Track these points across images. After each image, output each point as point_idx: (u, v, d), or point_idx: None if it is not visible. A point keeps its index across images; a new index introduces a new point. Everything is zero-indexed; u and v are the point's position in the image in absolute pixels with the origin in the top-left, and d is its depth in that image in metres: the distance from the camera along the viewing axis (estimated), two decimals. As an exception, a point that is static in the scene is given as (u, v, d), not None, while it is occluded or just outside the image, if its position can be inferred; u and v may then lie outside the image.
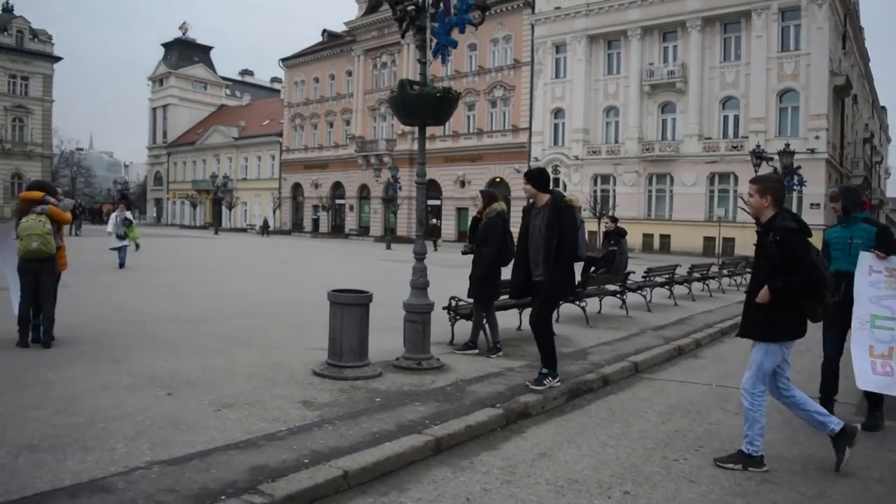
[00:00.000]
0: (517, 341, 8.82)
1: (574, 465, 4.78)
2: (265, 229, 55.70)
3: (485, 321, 8.12)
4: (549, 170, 43.01)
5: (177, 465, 4.14)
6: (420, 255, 7.19)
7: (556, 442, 5.28)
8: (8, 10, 70.72)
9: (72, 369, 6.50)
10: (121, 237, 17.77)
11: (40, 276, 7.43)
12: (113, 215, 18.57)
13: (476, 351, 7.98)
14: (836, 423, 4.75)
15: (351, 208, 57.19)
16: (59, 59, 73.08)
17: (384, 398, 5.85)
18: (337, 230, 57.64)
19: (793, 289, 4.65)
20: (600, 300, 12.13)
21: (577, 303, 10.65)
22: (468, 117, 48.45)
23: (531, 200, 6.64)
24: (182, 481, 3.91)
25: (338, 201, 58.77)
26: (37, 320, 7.53)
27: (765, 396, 4.79)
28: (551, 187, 6.66)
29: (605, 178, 42.08)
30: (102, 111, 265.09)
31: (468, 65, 48.27)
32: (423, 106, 6.85)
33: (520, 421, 5.77)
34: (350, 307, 6.50)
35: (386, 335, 8.05)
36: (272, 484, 3.88)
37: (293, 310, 11.19)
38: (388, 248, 35.68)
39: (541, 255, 6.36)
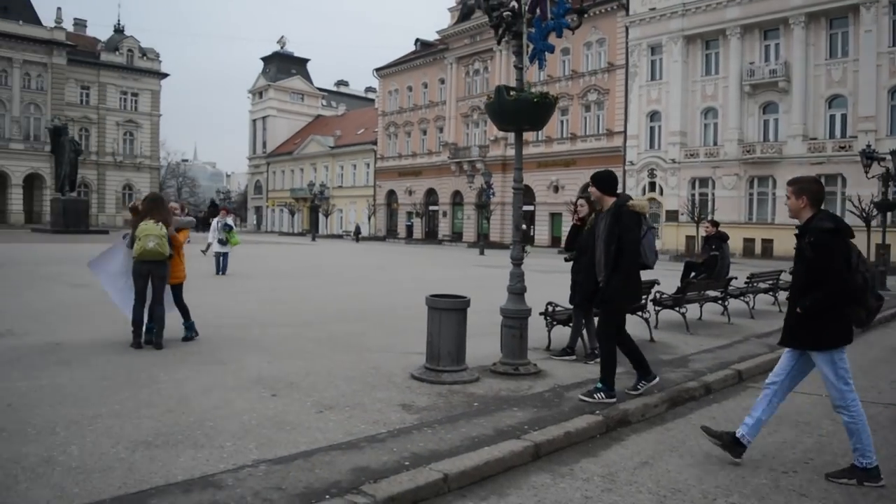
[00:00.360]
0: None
1: (677, 474, 4.67)
2: (357, 235, 56.97)
3: (583, 327, 8.05)
4: (645, 174, 42.58)
5: (282, 465, 4.27)
6: (517, 261, 7.19)
7: (658, 450, 5.17)
8: (119, 31, 75.01)
9: (181, 370, 6.80)
10: (222, 243, 18.00)
11: (152, 279, 7.81)
12: (214, 221, 18.83)
13: (573, 357, 7.91)
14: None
15: (444, 214, 57.66)
16: (165, 75, 76.95)
17: (482, 403, 5.87)
18: (430, 236, 58.23)
19: (819, 305, 4.53)
20: (701, 306, 11.80)
21: (678, 309, 10.41)
22: (561, 122, 48.06)
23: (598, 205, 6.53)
24: (288, 480, 4.03)
25: (431, 207, 59.38)
26: (150, 323, 7.93)
27: (858, 403, 4.60)
28: (619, 191, 6.41)
29: (704, 182, 40.88)
30: (206, 124, 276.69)
31: (561, 69, 47.89)
32: (520, 111, 6.85)
33: (619, 428, 5.68)
34: (448, 312, 6.56)
35: (482, 340, 8.08)
36: (374, 485, 3.96)
37: (390, 315, 11.36)
38: (482, 253, 35.78)
39: (601, 261, 6.17)
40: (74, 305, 11.10)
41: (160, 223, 7.78)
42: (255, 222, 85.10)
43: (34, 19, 65.70)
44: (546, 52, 6.94)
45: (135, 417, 5.19)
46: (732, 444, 4.87)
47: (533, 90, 7.04)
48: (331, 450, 4.57)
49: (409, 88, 61.93)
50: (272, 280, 17.78)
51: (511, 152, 49.36)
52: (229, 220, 18.87)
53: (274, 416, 5.31)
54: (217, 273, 17.60)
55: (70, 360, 7.08)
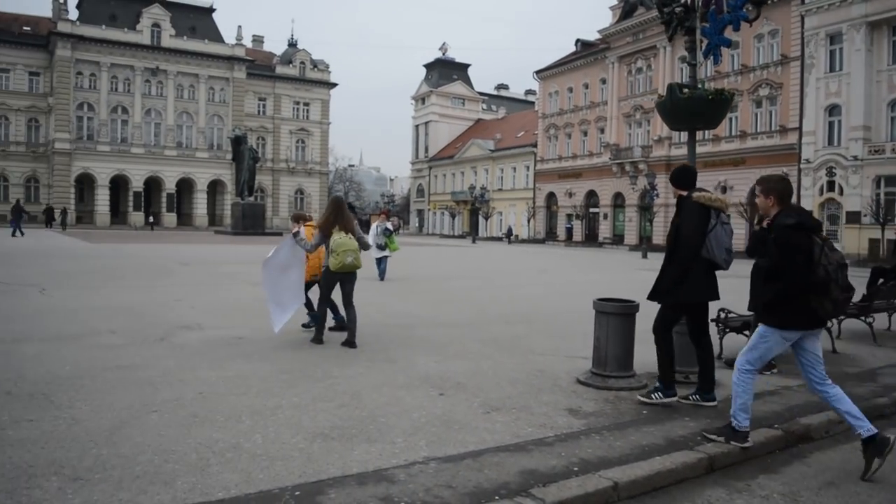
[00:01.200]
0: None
1: (867, 498, 4.31)
2: (509, 237, 57.41)
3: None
4: (823, 172, 39.67)
5: (451, 463, 4.33)
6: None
7: (846, 471, 4.79)
8: (293, 45, 79.67)
9: (353, 367, 7.07)
10: (381, 247, 17.10)
11: (345, 284, 8.26)
12: (374, 226, 17.77)
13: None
14: (866, 429, 4.69)
15: (605, 217, 56.63)
16: (335, 85, 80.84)
17: (651, 411, 5.70)
18: (590, 239, 57.37)
19: (781, 296, 4.77)
20: (889, 316, 10.85)
21: (863, 318, 9.63)
22: (730, 119, 45.75)
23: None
24: (457, 478, 4.08)
25: (591, 210, 58.49)
26: (338, 315, 8.55)
27: (751, 376, 4.97)
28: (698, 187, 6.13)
29: (891, 180, 37.51)
30: (372, 130, 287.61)
31: (730, 64, 45.63)
32: (693, 109, 6.61)
33: (800, 444, 5.32)
34: (616, 317, 6.42)
35: (650, 347, 7.83)
36: (543, 489, 3.93)
37: (553, 318, 11.28)
38: (644, 256, 34.80)
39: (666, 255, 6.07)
40: (253, 302, 11.82)
41: (349, 234, 8.11)
42: (417, 225, 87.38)
43: (218, 38, 71.20)
44: (721, 47, 6.63)
45: (312, 410, 5.45)
46: (734, 435, 4.94)
47: (709, 87, 6.75)
48: (499, 451, 4.59)
49: (570, 90, 61.34)
50: (434, 282, 18.15)
51: (676, 152, 47.36)
52: (389, 225, 17.94)
53: (442, 415, 5.41)
54: (379, 279, 16.69)
55: (252, 354, 7.57)
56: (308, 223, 9.37)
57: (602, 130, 57.08)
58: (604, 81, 56.93)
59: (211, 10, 73.14)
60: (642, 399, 5.95)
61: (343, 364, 7.19)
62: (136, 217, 65.07)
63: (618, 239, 54.20)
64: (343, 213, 8.34)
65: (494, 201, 69.45)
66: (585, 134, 59.42)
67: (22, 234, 37.69)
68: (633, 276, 21.73)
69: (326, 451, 4.52)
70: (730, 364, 7.54)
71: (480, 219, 67.35)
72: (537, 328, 10.19)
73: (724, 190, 45.00)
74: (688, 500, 4.18)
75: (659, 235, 47.27)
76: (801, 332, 4.86)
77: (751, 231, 7.43)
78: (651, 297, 6.12)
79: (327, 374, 6.74)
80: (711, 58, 6.71)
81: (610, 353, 6.41)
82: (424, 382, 6.48)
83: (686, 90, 6.64)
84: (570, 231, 59.97)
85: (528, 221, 65.26)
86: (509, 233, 59.77)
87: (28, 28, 67.28)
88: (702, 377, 6.04)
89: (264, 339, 8.47)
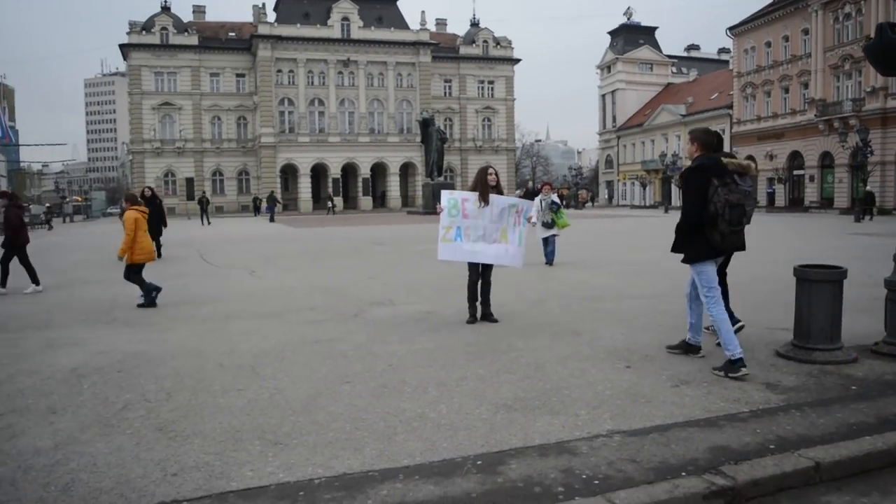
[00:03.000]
0: None
1: None
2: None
3: None
4: None
5: (636, 437, 4.20)
6: (904, 225, 6.22)
7: None
8: (475, 24, 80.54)
9: (538, 339, 7.05)
10: (548, 225, 14.27)
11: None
12: (537, 199, 14.31)
13: None
14: (737, 353, 5.56)
15: (811, 179, 52.35)
16: (518, 60, 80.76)
17: (861, 386, 5.19)
18: (795, 204, 53.34)
19: (680, 227, 5.80)
20: None
21: None
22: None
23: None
24: (642, 453, 3.95)
25: (795, 172, 54.29)
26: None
27: (719, 303, 5.77)
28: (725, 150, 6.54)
29: None
30: (557, 103, 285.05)
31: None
32: (906, 50, 5.88)
33: None
34: (820, 284, 5.89)
35: (860, 317, 7.19)
36: (735, 466, 3.70)
37: (754, 287, 10.55)
38: (858, 220, 31.85)
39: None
40: (440, 279, 12.12)
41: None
42: (606, 196, 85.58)
43: (403, 25, 73.44)
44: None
45: (495, 382, 5.50)
46: (688, 348, 6.20)
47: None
48: (687, 426, 4.38)
49: (768, 44, 57.02)
50: (618, 252, 17.64)
51: (893, 104, 42.69)
52: (555, 198, 14.77)
53: (628, 388, 5.25)
54: (546, 263, 14.23)
55: (439, 328, 7.77)
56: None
57: (805, 86, 52.61)
58: (806, 32, 52.35)
59: (395, -2, 75.57)
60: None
61: (527, 337, 7.19)
62: (336, 202, 68.97)
63: (826, 203, 49.92)
64: (483, 182, 8.28)
65: (687, 169, 66.32)
66: (787, 91, 55.09)
67: (273, 220, 43.63)
68: (843, 241, 19.96)
69: (509, 422, 4.53)
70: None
71: (673, 187, 64.71)
72: (736, 298, 9.47)
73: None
74: (904, 485, 3.78)
75: (875, 196, 42.95)
76: (714, 260, 5.81)
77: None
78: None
79: (512, 346, 6.77)
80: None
81: (813, 324, 5.91)
82: (611, 355, 6.33)
83: (897, 29, 5.93)
84: (771, 196, 56.08)
85: (725, 188, 61.78)
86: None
87: (233, 34, 73.11)
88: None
89: (451, 313, 8.66)
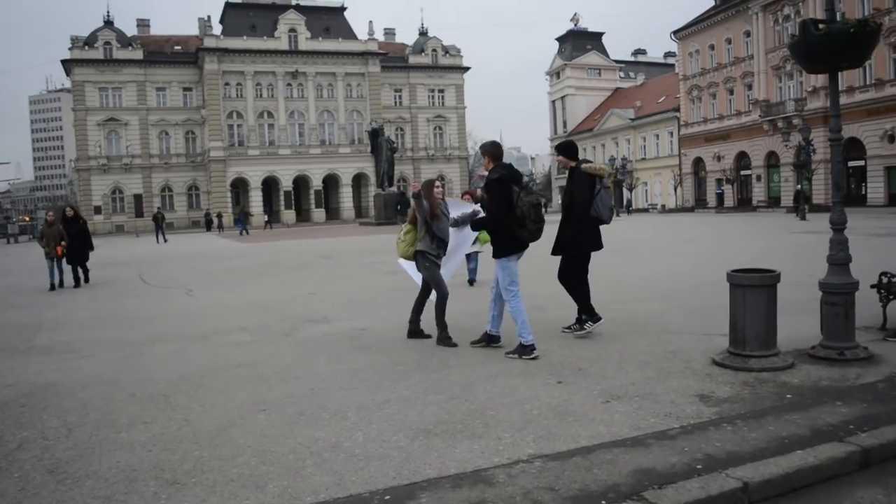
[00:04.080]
0: None
1: None
2: (628, 209, 56.79)
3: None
4: None
5: (558, 461, 3.94)
6: (838, 226, 6.09)
7: None
8: (423, 33, 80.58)
9: (470, 356, 6.78)
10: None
11: None
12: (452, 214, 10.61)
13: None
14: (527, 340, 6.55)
15: (758, 178, 53.21)
16: (467, 68, 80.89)
17: (795, 395, 5.01)
18: (743, 203, 54.16)
19: (480, 225, 7.15)
20: None
21: None
22: (894, 60, 41.60)
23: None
24: (561, 479, 3.68)
25: (742, 172, 55.14)
26: None
27: (518, 298, 6.59)
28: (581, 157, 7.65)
29: None
30: (509, 110, 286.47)
31: None
32: (832, 46, 5.72)
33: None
34: (753, 289, 5.73)
35: (800, 319, 7.07)
36: (657, 492, 3.46)
37: (696, 292, 10.47)
38: (803, 218, 32.35)
39: (563, 216, 7.43)
40: (384, 291, 11.81)
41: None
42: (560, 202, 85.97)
43: (351, 35, 73.03)
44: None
45: (420, 404, 5.21)
46: (523, 350, 6.51)
47: (849, 19, 5.86)
48: (613, 446, 4.14)
49: (711, 47, 57.91)
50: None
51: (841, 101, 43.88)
52: (478, 208, 10.72)
53: (557, 406, 5.00)
54: (468, 281, 12.50)
55: (371, 346, 7.44)
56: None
57: (749, 87, 53.52)
58: (748, 34, 53.30)
59: (342, 9, 74.97)
60: (568, 331, 7.56)
61: (460, 353, 6.91)
62: (288, 215, 68.14)
63: (773, 202, 50.77)
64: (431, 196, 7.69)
65: (638, 171, 67.05)
66: (731, 92, 55.99)
67: (247, 233, 44.32)
68: (788, 240, 20.12)
69: (426, 450, 4.24)
70: (893, 337, 6.65)
71: (625, 191, 65.27)
72: (676, 304, 9.49)
73: (892, 139, 41.07)
74: (834, 503, 3.56)
75: (819, 195, 43.87)
76: (517, 255, 6.62)
77: None
78: (554, 251, 7.47)
79: (443, 363, 6.49)
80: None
81: (748, 330, 5.73)
82: (542, 370, 6.08)
83: (822, 26, 5.80)
84: (720, 196, 56.87)
85: (675, 189, 62.52)
86: (628, 205, 58.48)
87: (179, 47, 71.80)
88: (584, 308, 7.47)
89: (387, 329, 8.37)
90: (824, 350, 5.94)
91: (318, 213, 70.68)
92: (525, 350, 6.44)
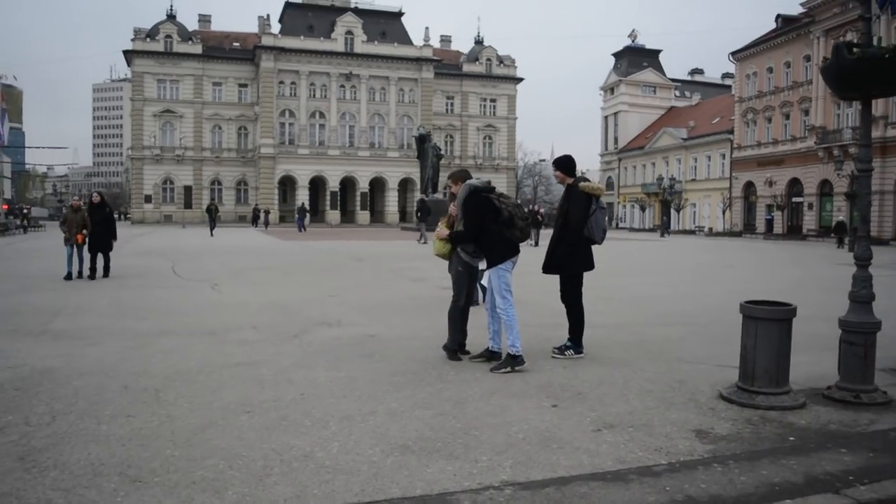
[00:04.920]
0: None
1: None
2: (664, 230, 55.61)
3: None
4: None
5: (529, 491, 3.74)
6: (863, 261, 5.78)
7: None
8: (479, 42, 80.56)
9: (470, 371, 6.58)
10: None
11: None
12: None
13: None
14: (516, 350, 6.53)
15: (809, 206, 51.88)
16: (521, 79, 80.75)
17: (800, 437, 4.71)
18: (793, 231, 52.83)
19: (460, 238, 6.77)
20: None
21: None
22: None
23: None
24: (528, 512, 3.49)
25: (794, 199, 53.85)
26: None
27: (512, 307, 6.53)
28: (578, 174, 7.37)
29: None
30: (560, 124, 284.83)
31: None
32: (864, 72, 5.41)
33: None
34: (766, 322, 5.45)
35: (822, 357, 6.72)
36: (624, 535, 3.24)
37: (723, 319, 10.04)
38: (850, 250, 31.35)
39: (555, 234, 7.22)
40: (405, 299, 11.68)
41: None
42: (607, 219, 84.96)
43: (407, 40, 73.49)
44: (903, -5, 5.44)
45: (405, 418, 5.04)
46: (514, 361, 6.48)
47: (885, 45, 5.56)
48: (592, 479, 3.92)
49: (770, 70, 56.75)
50: (595, 278, 17.13)
51: (892, 133, 42.35)
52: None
53: (545, 430, 4.79)
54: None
55: (374, 353, 7.29)
56: None
57: (806, 112, 52.26)
58: (808, 59, 52.08)
59: (400, 14, 75.55)
60: (555, 355, 7.17)
61: (461, 367, 6.72)
62: (333, 215, 68.67)
63: (824, 231, 49.40)
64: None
65: (687, 192, 65.98)
66: (787, 117, 54.74)
67: (305, 230, 45.59)
68: (827, 272, 19.47)
69: (398, 467, 4.08)
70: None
71: (672, 211, 64.25)
72: (697, 331, 9.16)
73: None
74: (818, 561, 3.31)
75: (872, 226, 42.36)
76: (511, 260, 6.63)
77: None
78: (545, 270, 7.30)
79: (441, 377, 6.31)
80: (889, 8, 5.51)
81: (758, 365, 5.44)
82: (541, 391, 5.86)
83: (856, 50, 5.50)
84: (769, 223, 55.58)
85: (724, 213, 61.30)
86: (666, 226, 58.17)
87: (237, 44, 73.15)
88: (574, 332, 7.26)
89: (395, 337, 8.23)
90: (839, 391, 5.61)
91: (363, 215, 71.14)
92: (516, 361, 6.45)
